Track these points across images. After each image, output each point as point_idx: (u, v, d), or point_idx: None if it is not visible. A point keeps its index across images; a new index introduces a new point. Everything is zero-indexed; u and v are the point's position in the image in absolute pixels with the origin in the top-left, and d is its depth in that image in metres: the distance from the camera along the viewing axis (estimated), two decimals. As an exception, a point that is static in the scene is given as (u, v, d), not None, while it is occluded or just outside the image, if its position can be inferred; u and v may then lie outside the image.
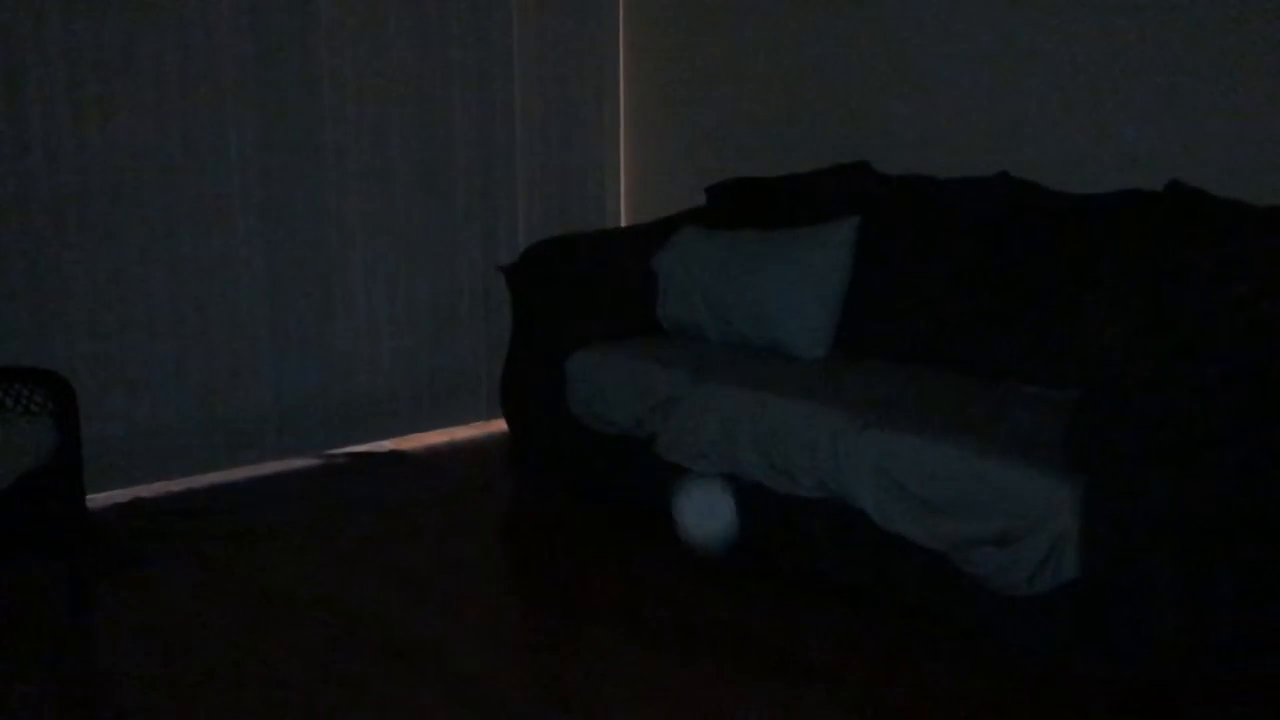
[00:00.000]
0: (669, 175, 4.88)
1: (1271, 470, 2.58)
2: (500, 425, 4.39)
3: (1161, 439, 2.35)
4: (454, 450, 4.55)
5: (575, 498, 3.97)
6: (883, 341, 3.56)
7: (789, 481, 3.02)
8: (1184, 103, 3.31)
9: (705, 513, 3.16)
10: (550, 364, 3.85)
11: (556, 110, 4.87)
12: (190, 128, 3.96)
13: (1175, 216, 3.10)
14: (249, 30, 4.03)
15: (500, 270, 4.20)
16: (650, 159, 5.00)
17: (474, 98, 4.61)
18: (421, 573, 3.34)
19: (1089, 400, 2.45)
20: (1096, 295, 3.08)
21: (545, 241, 4.13)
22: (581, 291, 3.98)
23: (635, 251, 4.06)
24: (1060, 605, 2.50)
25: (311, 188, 4.26)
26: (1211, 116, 3.25)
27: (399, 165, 4.47)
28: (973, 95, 3.79)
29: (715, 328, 3.79)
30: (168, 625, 3.00)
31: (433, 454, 4.52)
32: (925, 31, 3.91)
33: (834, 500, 2.93)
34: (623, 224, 5.08)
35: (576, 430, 3.76)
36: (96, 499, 3.65)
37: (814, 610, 3.03)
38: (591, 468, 3.82)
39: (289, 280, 4.24)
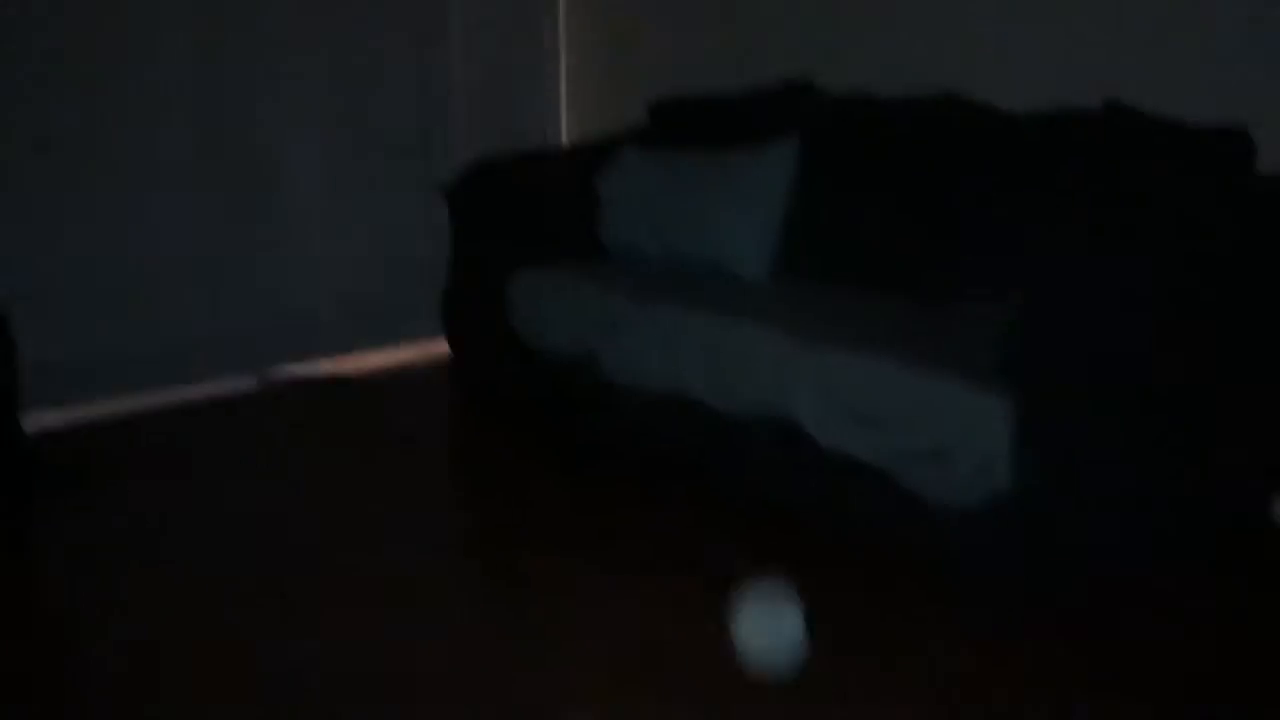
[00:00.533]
0: (611, 93, 4.83)
1: (1201, 385, 2.65)
2: (442, 347, 4.37)
3: (1093, 354, 2.40)
4: (396, 372, 4.53)
5: (519, 418, 3.97)
6: (825, 261, 3.57)
7: (731, 400, 3.05)
8: (1126, 20, 3.32)
9: (769, 631, 2.46)
10: (492, 286, 3.83)
11: (495, 28, 4.78)
12: (119, 46, 3.85)
13: (1113, 135, 3.12)
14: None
15: (439, 191, 4.16)
16: (591, 77, 4.94)
17: (409, 16, 4.51)
18: (363, 494, 3.34)
19: (1022, 316, 2.49)
20: (1035, 214, 3.11)
21: (485, 162, 4.08)
22: (522, 213, 3.95)
23: (577, 172, 4.03)
24: (995, 517, 2.55)
25: (246, 109, 4.18)
26: (1154, 34, 3.26)
27: (335, 86, 4.38)
28: (920, 12, 3.77)
29: (658, 249, 3.78)
30: (108, 548, 2.99)
31: (374, 376, 4.50)
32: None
33: (776, 418, 2.96)
34: (564, 144, 5.03)
35: (520, 352, 3.76)
36: (36, 422, 3.59)
37: (758, 528, 3.07)
38: (536, 389, 3.82)
39: (224, 202, 4.17)
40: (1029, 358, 2.47)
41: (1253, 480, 2.92)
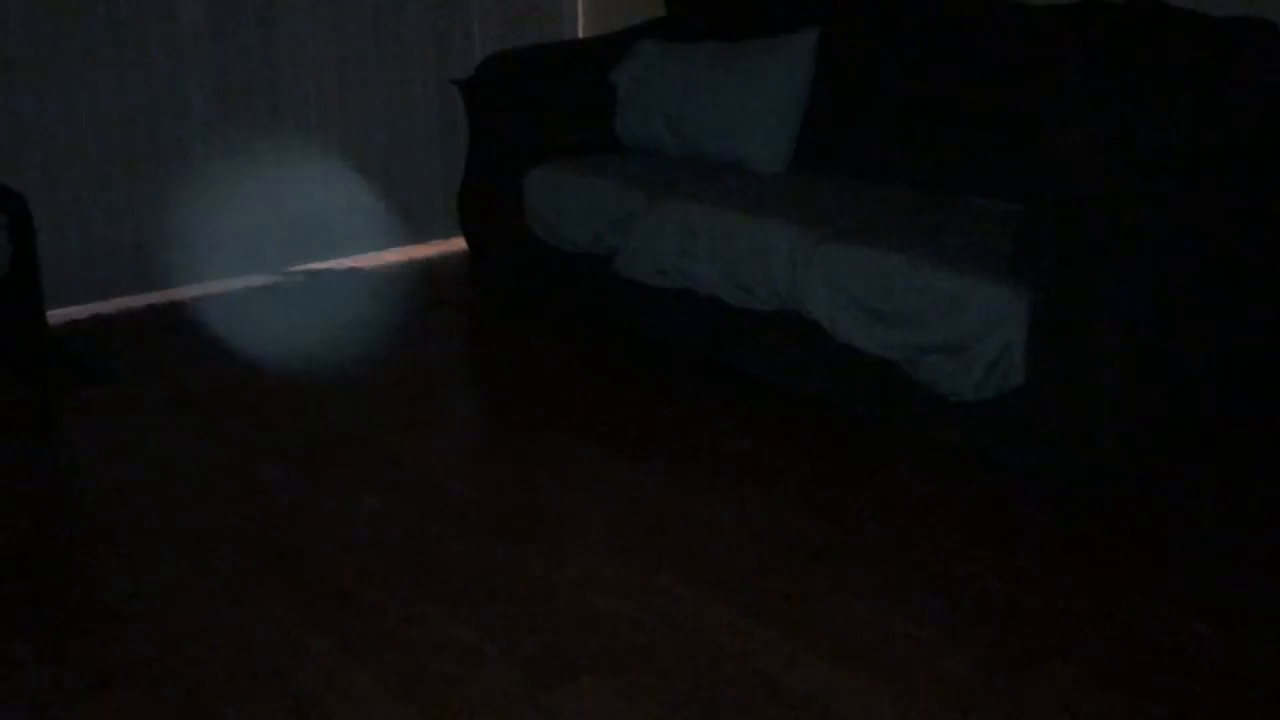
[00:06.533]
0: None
1: (1214, 282, 2.64)
2: (459, 244, 4.38)
3: (1108, 250, 2.39)
4: (413, 268, 4.55)
5: (535, 314, 3.99)
6: (843, 156, 3.55)
7: (745, 295, 3.06)
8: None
9: None
10: (508, 181, 3.82)
11: (511, -85, 4.70)
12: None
13: (1137, 28, 3.07)
14: None
15: (455, 84, 4.12)
16: (608, -32, 4.86)
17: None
18: (381, 385, 3.38)
19: (1038, 211, 2.48)
20: (1055, 108, 3.08)
21: (502, 54, 4.04)
22: (538, 106, 3.92)
23: (593, 64, 3.99)
24: (1006, 412, 2.58)
25: (261, 4, 4.14)
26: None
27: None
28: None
29: (674, 143, 3.76)
30: (132, 440, 3.04)
31: (392, 272, 4.52)
32: None
33: (789, 313, 2.97)
34: (580, 35, 4.97)
35: (536, 247, 3.76)
36: (56, 315, 3.63)
37: (768, 419, 3.11)
38: (551, 285, 3.84)
39: (240, 97, 4.15)
40: (1045, 252, 2.47)
41: (1268, 382, 2.92)
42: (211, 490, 2.76)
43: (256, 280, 4.32)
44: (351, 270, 4.51)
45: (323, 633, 2.19)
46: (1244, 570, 2.39)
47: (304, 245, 4.43)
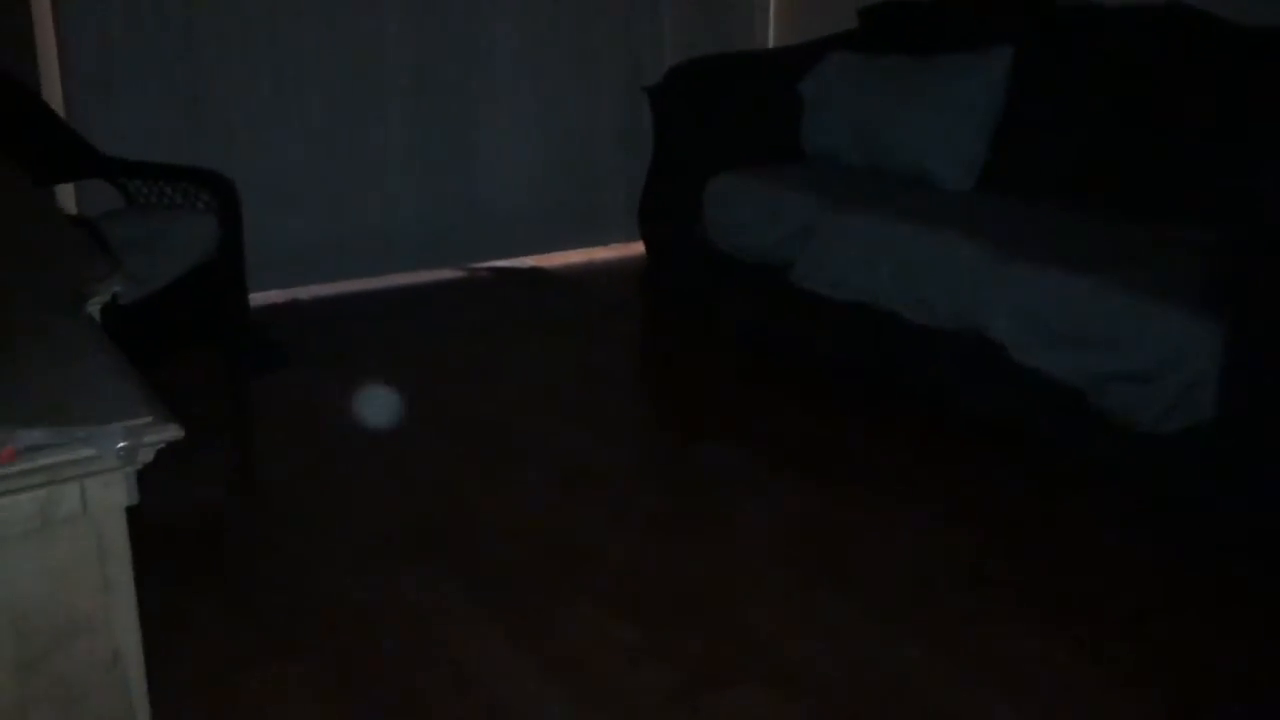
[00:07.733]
0: (820, -3, 4.73)
1: None
2: (638, 248, 4.44)
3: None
4: (592, 269, 4.63)
5: (709, 321, 4.02)
6: (1032, 175, 3.46)
7: (925, 312, 3.01)
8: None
9: None
10: (690, 187, 3.85)
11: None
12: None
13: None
14: None
15: (644, 90, 4.18)
16: (802, -21, 4.85)
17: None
18: (556, 385, 3.45)
19: (1234, 243, 2.37)
20: (1255, 136, 2.94)
21: (691, 62, 4.08)
22: (725, 114, 3.94)
23: (782, 75, 3.99)
24: (1193, 446, 2.47)
25: (460, 6, 4.28)
26: None
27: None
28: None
29: (859, 155, 3.73)
30: (314, 420, 3.18)
31: (572, 272, 4.61)
32: None
33: (970, 332, 2.92)
34: (770, 46, 4.97)
35: (713, 254, 3.78)
36: (255, 299, 3.82)
37: (941, 440, 3.06)
38: (727, 292, 3.85)
39: (435, 96, 4.30)
40: (1242, 284, 2.36)
41: None
42: (385, 474, 2.87)
43: (444, 275, 4.46)
44: (533, 268, 4.62)
45: (489, 616, 2.25)
46: None
47: (489, 243, 4.56)
